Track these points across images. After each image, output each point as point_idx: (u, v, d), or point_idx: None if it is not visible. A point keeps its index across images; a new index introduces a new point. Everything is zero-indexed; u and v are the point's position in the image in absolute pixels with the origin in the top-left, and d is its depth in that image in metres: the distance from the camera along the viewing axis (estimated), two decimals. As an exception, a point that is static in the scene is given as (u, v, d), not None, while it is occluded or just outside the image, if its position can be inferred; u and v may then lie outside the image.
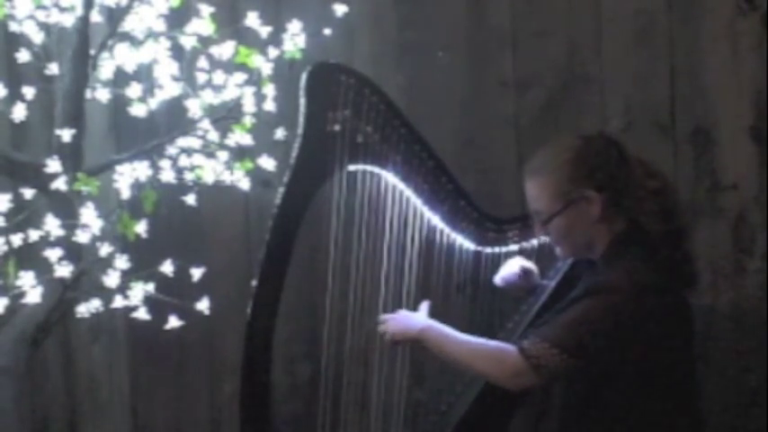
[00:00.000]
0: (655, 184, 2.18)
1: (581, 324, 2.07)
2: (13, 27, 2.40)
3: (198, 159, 2.48)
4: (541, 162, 2.22)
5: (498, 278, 2.40)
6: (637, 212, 2.15)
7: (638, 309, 2.07)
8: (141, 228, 2.30)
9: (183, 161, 2.48)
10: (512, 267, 2.40)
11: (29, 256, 2.30)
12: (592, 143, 2.20)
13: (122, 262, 2.28)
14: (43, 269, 2.24)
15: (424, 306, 2.31)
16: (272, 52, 2.46)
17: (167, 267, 2.33)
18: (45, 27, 2.39)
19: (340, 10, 2.51)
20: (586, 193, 2.15)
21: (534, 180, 2.21)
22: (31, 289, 2.21)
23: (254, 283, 2.17)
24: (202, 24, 2.42)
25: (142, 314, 2.36)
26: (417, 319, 2.26)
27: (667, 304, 2.12)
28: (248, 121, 2.46)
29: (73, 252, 2.27)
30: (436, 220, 2.32)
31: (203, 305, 2.39)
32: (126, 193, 2.32)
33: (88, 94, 2.42)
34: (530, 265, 2.41)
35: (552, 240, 2.24)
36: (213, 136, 2.45)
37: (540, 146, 2.30)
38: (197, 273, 2.37)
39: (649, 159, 2.24)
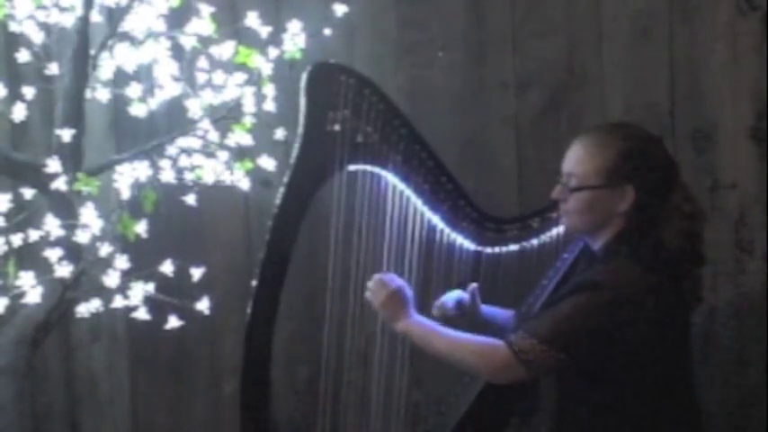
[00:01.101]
0: (689, 207, 2.17)
1: (569, 320, 2.07)
2: (13, 27, 2.40)
3: (198, 159, 2.48)
4: (603, 136, 2.19)
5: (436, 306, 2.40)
6: (660, 227, 2.15)
7: (628, 309, 2.07)
8: (141, 228, 2.30)
9: (183, 161, 2.48)
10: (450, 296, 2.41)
11: (29, 256, 2.30)
12: (653, 146, 2.19)
13: (122, 262, 2.28)
14: (43, 269, 2.24)
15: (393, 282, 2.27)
16: (272, 52, 2.46)
17: (167, 267, 2.33)
18: (45, 27, 2.39)
19: (340, 10, 2.51)
20: (625, 185, 2.14)
21: (586, 146, 2.17)
22: (31, 289, 2.21)
23: (254, 283, 2.17)
24: (202, 24, 2.42)
25: (142, 314, 2.36)
26: (406, 311, 2.23)
27: (660, 303, 2.11)
28: (248, 121, 2.46)
29: (73, 252, 2.27)
30: (436, 219, 2.32)
31: (203, 305, 2.39)
32: (126, 193, 2.32)
33: (88, 94, 2.42)
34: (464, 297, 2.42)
35: (567, 209, 2.20)
36: (213, 136, 2.45)
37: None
38: (197, 273, 2.37)
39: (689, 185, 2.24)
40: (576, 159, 2.18)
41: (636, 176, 2.14)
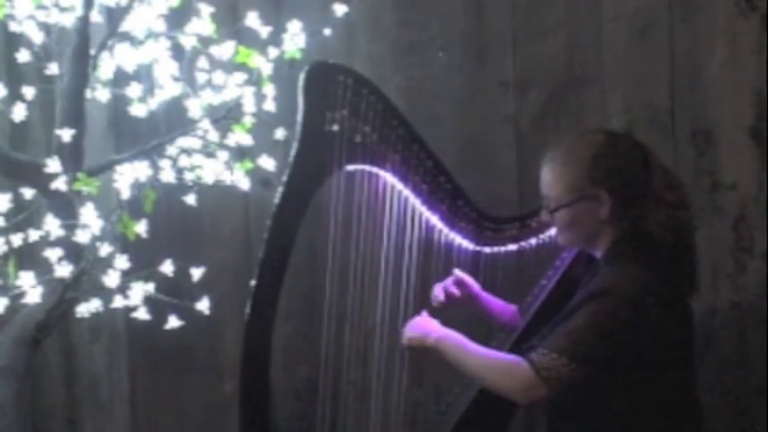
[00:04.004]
0: (672, 197, 2.16)
1: (586, 331, 2.06)
2: (13, 27, 2.40)
3: (198, 159, 2.48)
4: (564, 152, 2.20)
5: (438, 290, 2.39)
6: (648, 220, 2.15)
7: (641, 312, 2.07)
8: (141, 228, 2.31)
9: (183, 161, 2.48)
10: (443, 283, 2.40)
11: (29, 257, 2.31)
12: (618, 143, 2.19)
13: (122, 262, 2.29)
14: (43, 269, 2.24)
15: (425, 315, 2.30)
16: (272, 52, 2.47)
17: (167, 267, 2.34)
18: (45, 27, 2.40)
19: (340, 10, 2.51)
20: (599, 193, 2.14)
21: (552, 167, 2.19)
22: (31, 289, 2.21)
23: (253, 283, 2.17)
24: (202, 24, 2.42)
25: (142, 314, 2.37)
26: (434, 327, 2.24)
27: (669, 308, 2.11)
28: (248, 121, 2.46)
29: (73, 252, 2.28)
30: (435, 219, 2.32)
31: (203, 305, 2.39)
32: (126, 193, 2.32)
33: (88, 94, 2.42)
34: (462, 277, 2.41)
35: (556, 228, 2.23)
36: (213, 136, 2.45)
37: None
38: (197, 273, 2.37)
39: (673, 171, 2.24)
40: (547, 182, 2.20)
41: (606, 180, 2.14)
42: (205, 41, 2.43)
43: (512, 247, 2.38)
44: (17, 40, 2.48)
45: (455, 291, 2.40)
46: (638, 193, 2.15)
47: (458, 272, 2.39)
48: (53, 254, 2.24)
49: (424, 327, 2.25)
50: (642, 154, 2.18)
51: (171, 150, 2.48)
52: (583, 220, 2.17)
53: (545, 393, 2.07)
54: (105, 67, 2.46)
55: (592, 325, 2.06)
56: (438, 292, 2.38)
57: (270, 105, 2.47)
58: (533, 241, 2.38)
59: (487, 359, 2.16)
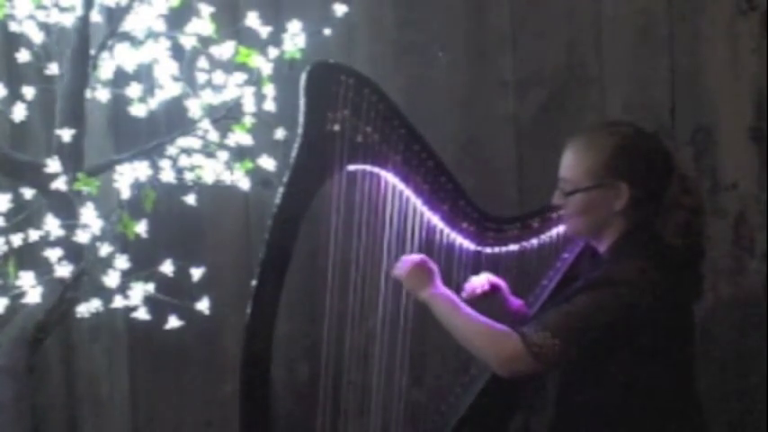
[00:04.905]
0: (688, 200, 2.16)
1: (583, 315, 2.07)
2: (13, 27, 2.40)
3: (198, 159, 2.48)
4: (590, 137, 2.20)
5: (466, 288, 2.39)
6: (660, 221, 2.15)
7: (642, 304, 2.07)
8: (141, 228, 2.31)
9: (183, 161, 2.48)
10: (479, 280, 2.39)
11: (29, 257, 2.31)
12: (644, 139, 2.19)
13: (122, 262, 2.29)
14: (43, 269, 2.24)
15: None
16: (272, 52, 2.47)
17: (167, 267, 2.34)
18: (45, 27, 2.40)
19: (340, 10, 2.51)
20: (618, 183, 2.14)
21: (575, 149, 2.19)
22: (31, 289, 2.21)
23: (254, 283, 2.17)
24: (202, 24, 2.42)
25: (142, 314, 2.37)
26: (433, 281, 2.24)
27: (670, 307, 2.11)
28: (248, 121, 2.46)
29: (73, 252, 2.27)
30: (436, 219, 2.32)
31: (203, 305, 2.39)
32: (126, 193, 2.32)
33: (88, 94, 2.42)
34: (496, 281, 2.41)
35: (566, 213, 2.22)
36: (213, 136, 2.45)
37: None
38: (197, 273, 2.37)
39: (691, 176, 2.24)
40: (567, 164, 2.19)
41: (627, 173, 2.14)
42: (205, 41, 2.43)
43: (513, 247, 2.38)
44: (17, 40, 2.48)
45: (488, 289, 2.39)
46: (655, 193, 2.15)
47: (494, 278, 2.39)
48: (53, 254, 2.24)
49: (421, 277, 2.24)
50: (665, 156, 2.19)
51: (171, 150, 2.48)
52: (596, 209, 2.17)
53: (530, 368, 2.07)
54: (105, 67, 2.46)
55: (591, 310, 2.07)
56: (473, 287, 2.37)
57: (270, 105, 2.47)
58: (535, 242, 2.38)
59: (478, 323, 2.16)
